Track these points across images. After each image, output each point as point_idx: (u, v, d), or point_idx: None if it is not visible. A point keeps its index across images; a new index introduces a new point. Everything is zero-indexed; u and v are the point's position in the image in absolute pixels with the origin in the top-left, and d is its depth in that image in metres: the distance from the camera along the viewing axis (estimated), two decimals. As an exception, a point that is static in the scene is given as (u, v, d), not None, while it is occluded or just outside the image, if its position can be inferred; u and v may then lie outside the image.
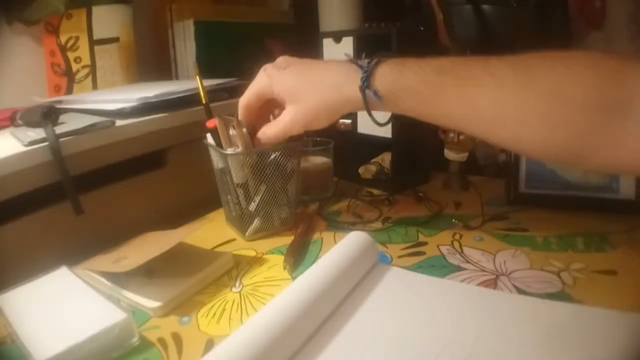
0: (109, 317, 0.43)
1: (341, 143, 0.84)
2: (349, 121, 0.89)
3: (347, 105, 0.55)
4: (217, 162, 0.67)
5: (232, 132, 0.64)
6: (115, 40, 0.90)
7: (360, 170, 0.88)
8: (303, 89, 0.56)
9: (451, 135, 0.81)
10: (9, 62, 0.86)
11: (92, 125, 0.64)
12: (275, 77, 0.57)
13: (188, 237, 0.59)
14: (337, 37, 0.86)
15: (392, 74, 0.50)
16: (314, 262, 0.56)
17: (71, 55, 0.88)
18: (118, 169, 0.67)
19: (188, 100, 0.77)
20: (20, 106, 0.73)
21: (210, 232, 0.68)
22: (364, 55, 0.55)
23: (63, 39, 0.87)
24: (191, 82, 0.86)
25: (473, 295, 0.49)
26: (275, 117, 0.63)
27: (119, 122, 0.68)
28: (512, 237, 0.62)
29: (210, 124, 0.64)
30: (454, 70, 0.46)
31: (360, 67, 0.52)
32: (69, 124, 0.64)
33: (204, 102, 0.65)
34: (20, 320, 0.44)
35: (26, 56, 0.89)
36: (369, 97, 0.51)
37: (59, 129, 0.61)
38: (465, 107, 0.45)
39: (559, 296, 0.48)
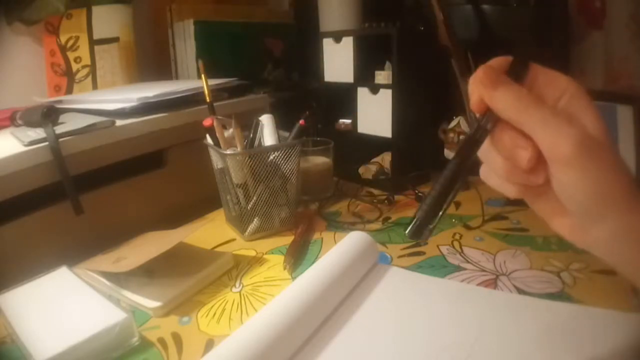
0: (109, 317, 0.43)
1: (341, 143, 0.84)
2: (348, 121, 0.89)
3: None
4: (216, 162, 0.67)
5: (227, 133, 0.64)
6: (115, 40, 0.90)
7: (360, 170, 0.88)
8: None
9: (451, 135, 0.81)
10: (9, 62, 0.86)
11: (92, 125, 0.64)
12: None
13: (188, 237, 0.59)
14: (337, 37, 0.87)
15: None
16: (314, 262, 0.56)
17: (71, 55, 0.88)
18: (118, 169, 0.67)
19: (188, 100, 0.77)
20: (20, 106, 0.73)
21: (210, 232, 0.68)
22: None
23: (63, 39, 0.87)
24: (191, 82, 0.86)
25: (473, 295, 0.49)
26: None
27: (119, 122, 0.68)
28: (512, 237, 0.62)
29: (206, 122, 0.64)
30: None
31: None
32: (69, 124, 0.64)
33: (208, 100, 0.65)
34: (20, 320, 0.44)
35: (26, 56, 0.89)
36: None
37: (59, 129, 0.61)
38: None
39: (559, 296, 0.48)
